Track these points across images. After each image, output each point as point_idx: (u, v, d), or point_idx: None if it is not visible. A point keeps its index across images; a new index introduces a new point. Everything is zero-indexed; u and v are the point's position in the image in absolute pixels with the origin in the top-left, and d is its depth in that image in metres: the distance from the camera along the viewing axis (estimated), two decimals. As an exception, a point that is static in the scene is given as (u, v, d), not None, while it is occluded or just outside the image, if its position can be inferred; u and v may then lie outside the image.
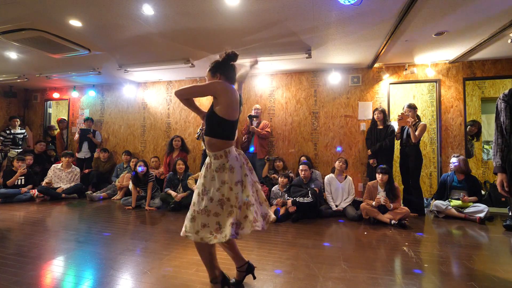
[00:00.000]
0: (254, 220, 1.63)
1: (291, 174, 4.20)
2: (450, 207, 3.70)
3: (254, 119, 4.61)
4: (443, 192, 3.92)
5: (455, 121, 4.42)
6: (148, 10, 2.85)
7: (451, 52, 4.01)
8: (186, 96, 1.74)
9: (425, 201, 4.29)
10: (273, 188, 4.08)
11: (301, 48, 3.86)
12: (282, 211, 3.61)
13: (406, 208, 3.45)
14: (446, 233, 3.18)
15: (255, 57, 2.03)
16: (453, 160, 3.88)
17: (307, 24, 3.17)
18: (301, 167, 3.86)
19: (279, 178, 4.04)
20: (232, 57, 1.78)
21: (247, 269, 1.85)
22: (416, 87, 5.12)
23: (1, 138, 5.54)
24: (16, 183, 4.70)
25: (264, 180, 4.42)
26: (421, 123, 3.91)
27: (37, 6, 2.81)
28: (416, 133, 3.85)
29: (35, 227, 3.21)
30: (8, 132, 5.75)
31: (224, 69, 1.77)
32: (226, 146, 1.68)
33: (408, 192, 4.03)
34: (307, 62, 4.45)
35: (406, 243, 2.76)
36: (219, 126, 1.67)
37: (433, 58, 4.33)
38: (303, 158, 4.56)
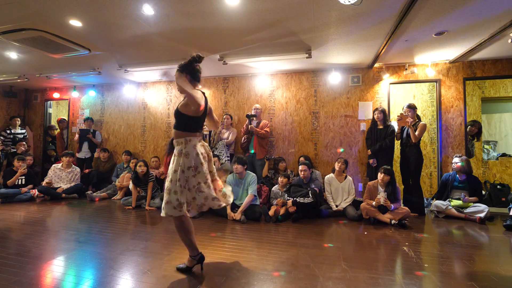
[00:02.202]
0: (202, 204, 2.00)
1: (295, 177, 4.20)
2: (451, 207, 3.70)
3: (254, 118, 4.60)
4: (444, 192, 3.92)
5: (455, 121, 4.42)
6: (148, 10, 2.85)
7: (451, 52, 4.01)
8: (180, 90, 2.01)
9: (425, 201, 4.29)
10: (273, 188, 4.08)
11: (301, 48, 3.86)
12: (282, 211, 3.61)
13: (406, 208, 3.45)
14: (446, 233, 3.18)
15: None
16: (456, 160, 3.86)
17: (307, 24, 3.17)
18: (300, 167, 3.86)
19: (279, 178, 4.04)
20: (197, 59, 2.05)
21: (199, 259, 2.13)
22: (416, 87, 5.12)
23: (2, 138, 5.54)
24: (16, 183, 4.71)
25: (264, 180, 4.41)
26: (421, 123, 3.91)
27: (37, 6, 2.81)
28: (416, 133, 3.85)
29: (35, 227, 3.21)
30: (8, 132, 5.75)
31: (189, 69, 2.05)
32: (187, 136, 2.00)
33: (408, 192, 4.03)
34: (307, 62, 4.45)
35: (406, 243, 2.76)
36: (183, 120, 2.01)
37: (433, 58, 4.33)
38: (301, 158, 4.56)
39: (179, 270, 2.10)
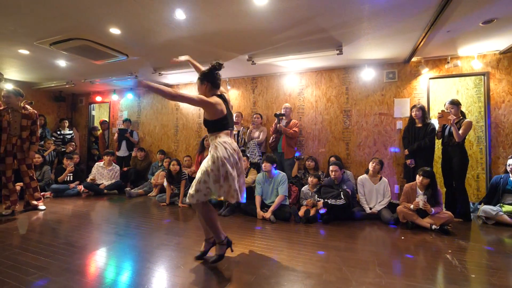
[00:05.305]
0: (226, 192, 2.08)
1: (325, 178, 4.10)
2: (502, 213, 3.35)
3: (283, 117, 4.56)
4: (494, 196, 3.56)
5: (508, 118, 3.98)
6: (180, 14, 2.96)
7: (502, 41, 3.62)
8: (177, 101, 2.06)
9: (472, 205, 3.93)
10: (303, 189, 4.02)
11: (331, 45, 3.75)
12: (312, 212, 3.54)
13: (449, 212, 3.19)
14: (496, 241, 2.88)
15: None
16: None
17: (338, 20, 3.07)
18: (331, 167, 3.74)
19: (309, 178, 3.96)
20: (217, 67, 2.18)
21: (213, 242, 2.28)
22: (460, 81, 4.71)
23: (53, 138, 6.13)
24: (65, 179, 5.18)
25: (294, 180, 4.35)
26: (466, 120, 3.58)
27: (82, 17, 3.06)
28: (460, 131, 3.53)
29: (81, 219, 3.50)
30: (58, 133, 6.35)
31: (210, 78, 2.18)
32: (216, 133, 2.14)
33: (452, 195, 3.72)
34: (338, 59, 4.31)
35: (449, 250, 2.55)
36: (212, 126, 2.13)
37: (480, 49, 3.95)
38: (332, 158, 4.42)
39: (214, 262, 2.16)
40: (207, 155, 5.66)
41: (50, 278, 1.93)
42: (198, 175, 2.12)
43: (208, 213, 2.15)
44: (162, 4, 2.77)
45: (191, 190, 2.11)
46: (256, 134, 4.80)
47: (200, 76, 2.21)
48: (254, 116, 4.91)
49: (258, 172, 4.19)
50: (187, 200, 2.16)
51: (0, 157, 3.64)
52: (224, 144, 2.08)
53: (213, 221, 2.17)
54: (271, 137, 4.69)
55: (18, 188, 3.99)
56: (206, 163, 2.11)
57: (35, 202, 3.91)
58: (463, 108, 3.96)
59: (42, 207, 3.95)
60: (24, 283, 1.86)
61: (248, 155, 4.53)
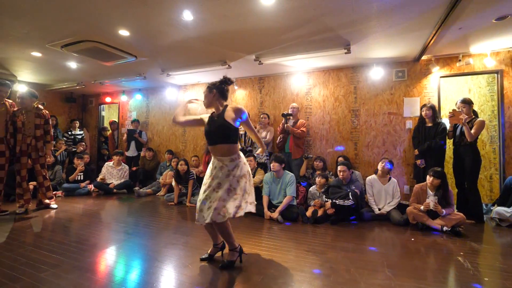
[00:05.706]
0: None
1: (332, 177, 4.06)
2: (516, 214, 3.25)
3: (290, 117, 4.54)
4: (508, 197, 3.46)
5: (522, 117, 3.87)
6: (187, 15, 2.99)
7: (517, 38, 3.52)
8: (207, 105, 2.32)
9: (484, 207, 3.83)
10: (311, 189, 3.99)
11: (339, 44, 3.71)
12: (320, 212, 3.51)
13: (461, 214, 3.11)
14: (510, 243, 2.80)
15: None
16: None
17: (346, 18, 3.04)
18: (339, 167, 3.71)
19: (317, 179, 3.94)
20: (227, 81, 2.24)
21: (221, 247, 2.34)
22: (472, 79, 4.60)
23: (64, 138, 6.26)
24: (76, 179, 5.28)
25: (302, 180, 4.33)
26: (478, 119, 3.50)
27: (92, 19, 3.11)
28: (472, 131, 3.45)
29: (92, 218, 3.57)
30: (69, 133, 6.49)
31: (219, 88, 2.22)
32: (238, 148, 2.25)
33: (464, 196, 3.63)
34: (346, 58, 4.27)
35: (461, 253, 2.49)
36: (237, 134, 2.22)
37: (493, 46, 3.84)
38: (340, 158, 4.38)
39: (223, 267, 2.12)
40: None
41: (62, 275, 1.97)
42: (234, 193, 2.08)
43: (225, 224, 2.11)
44: (170, 5, 2.80)
45: (229, 207, 2.02)
46: (263, 134, 4.80)
47: (210, 85, 2.23)
48: (261, 116, 4.90)
49: (265, 172, 4.18)
50: (209, 219, 2.02)
51: (16, 157, 3.75)
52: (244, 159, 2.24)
53: (228, 230, 2.14)
54: (279, 137, 4.68)
55: (31, 187, 4.09)
56: (230, 180, 2.09)
57: (47, 201, 4.01)
58: (475, 107, 3.87)
59: (54, 205, 4.04)
60: (37, 280, 1.90)
61: (255, 155, 4.52)
